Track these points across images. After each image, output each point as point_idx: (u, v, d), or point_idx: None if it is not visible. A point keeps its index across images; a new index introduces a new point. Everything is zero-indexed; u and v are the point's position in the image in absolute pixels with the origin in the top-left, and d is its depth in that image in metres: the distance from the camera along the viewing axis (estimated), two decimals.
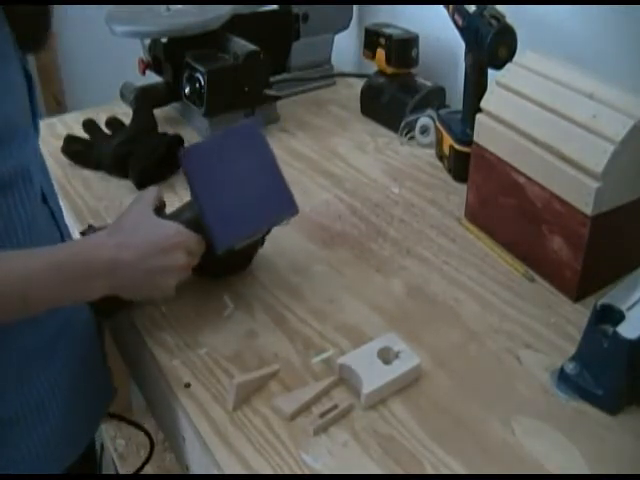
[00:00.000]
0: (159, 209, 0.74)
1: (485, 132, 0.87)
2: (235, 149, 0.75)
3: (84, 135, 1.11)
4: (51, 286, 0.61)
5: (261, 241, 0.82)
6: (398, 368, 0.67)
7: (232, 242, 0.73)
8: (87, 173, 1.08)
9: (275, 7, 1.30)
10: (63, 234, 0.73)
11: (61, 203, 0.99)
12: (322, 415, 0.64)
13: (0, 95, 0.60)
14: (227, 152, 0.75)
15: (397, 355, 0.69)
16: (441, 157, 1.09)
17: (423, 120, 1.13)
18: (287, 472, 0.59)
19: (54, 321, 0.69)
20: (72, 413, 0.72)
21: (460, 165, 1.00)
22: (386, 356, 0.69)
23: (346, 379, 0.68)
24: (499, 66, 0.90)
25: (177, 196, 0.97)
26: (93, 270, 0.63)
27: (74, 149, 1.10)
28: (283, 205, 0.75)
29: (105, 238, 0.66)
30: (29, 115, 0.67)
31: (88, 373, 0.76)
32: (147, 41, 1.24)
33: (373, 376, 0.66)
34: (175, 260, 0.68)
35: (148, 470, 1.29)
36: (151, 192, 0.73)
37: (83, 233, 0.84)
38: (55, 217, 0.72)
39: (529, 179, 0.81)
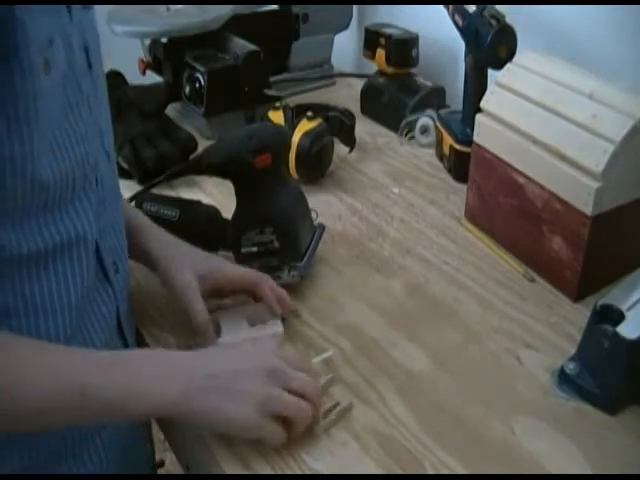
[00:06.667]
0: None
1: (485, 132, 0.87)
2: None
3: None
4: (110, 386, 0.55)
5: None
6: (258, 331, 0.72)
7: None
8: None
9: (275, 7, 1.30)
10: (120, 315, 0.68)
11: None
12: (325, 415, 0.64)
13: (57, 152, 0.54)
14: None
15: (263, 321, 0.72)
16: (441, 157, 1.09)
17: (423, 120, 1.13)
18: (287, 472, 0.59)
19: None
20: None
21: (460, 165, 1.00)
22: (252, 320, 0.72)
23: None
24: (499, 66, 0.90)
25: (176, 194, 0.97)
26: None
27: None
28: None
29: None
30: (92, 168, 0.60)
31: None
32: (147, 41, 1.24)
33: (232, 330, 0.71)
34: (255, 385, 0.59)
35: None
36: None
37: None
38: (116, 295, 0.67)
39: (529, 179, 0.81)
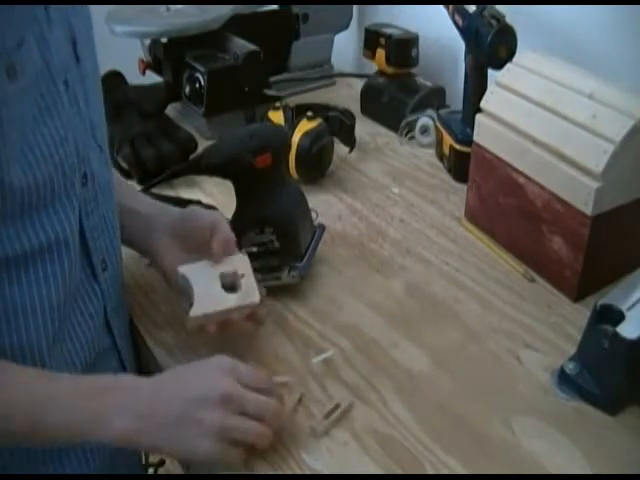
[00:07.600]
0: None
1: (485, 132, 0.87)
2: None
3: None
4: (67, 412, 0.54)
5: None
6: (234, 300, 0.66)
7: None
8: None
9: (275, 7, 1.30)
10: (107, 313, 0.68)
11: None
12: (327, 416, 0.64)
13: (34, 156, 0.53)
14: None
15: (239, 285, 0.67)
16: (441, 157, 1.09)
17: (423, 120, 1.13)
18: (287, 472, 0.59)
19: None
20: None
21: (460, 165, 1.00)
22: (227, 282, 0.68)
23: (181, 288, 0.68)
24: (499, 66, 0.90)
25: (176, 194, 0.98)
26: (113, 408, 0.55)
27: None
28: None
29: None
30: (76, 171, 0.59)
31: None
32: (147, 41, 1.24)
33: (206, 300, 0.65)
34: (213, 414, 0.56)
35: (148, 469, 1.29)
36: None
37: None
38: (104, 295, 0.67)
39: (529, 179, 0.81)
